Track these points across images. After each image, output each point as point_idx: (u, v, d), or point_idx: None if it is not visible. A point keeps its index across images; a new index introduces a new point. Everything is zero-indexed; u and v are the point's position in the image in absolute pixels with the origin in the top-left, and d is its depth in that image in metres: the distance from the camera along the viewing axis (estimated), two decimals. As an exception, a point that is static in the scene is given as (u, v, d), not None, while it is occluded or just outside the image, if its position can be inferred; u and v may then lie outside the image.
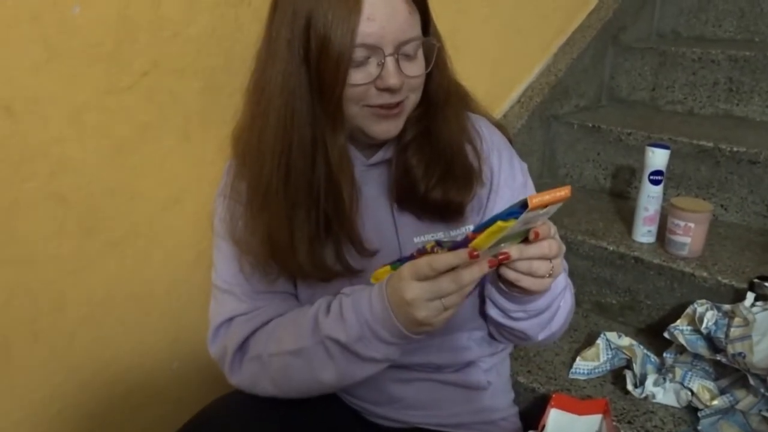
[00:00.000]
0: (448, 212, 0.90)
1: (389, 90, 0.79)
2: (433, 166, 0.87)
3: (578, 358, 1.28)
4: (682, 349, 1.21)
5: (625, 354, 1.26)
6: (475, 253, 0.66)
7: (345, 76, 0.77)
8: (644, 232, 1.44)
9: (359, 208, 0.87)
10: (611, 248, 1.45)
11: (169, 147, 1.08)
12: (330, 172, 0.83)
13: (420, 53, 0.83)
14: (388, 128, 0.84)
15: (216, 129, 1.08)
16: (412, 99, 0.85)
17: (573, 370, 1.27)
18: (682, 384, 1.15)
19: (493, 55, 1.70)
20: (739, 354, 1.09)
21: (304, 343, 0.81)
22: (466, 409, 1.00)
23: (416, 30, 0.81)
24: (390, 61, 0.78)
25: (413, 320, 0.72)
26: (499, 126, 1.02)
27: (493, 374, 1.02)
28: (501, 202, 0.93)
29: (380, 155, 0.91)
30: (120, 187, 1.03)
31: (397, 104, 0.82)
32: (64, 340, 1.04)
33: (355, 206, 0.86)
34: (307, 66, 0.79)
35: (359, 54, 0.77)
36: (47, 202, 0.96)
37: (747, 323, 1.12)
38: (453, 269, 0.69)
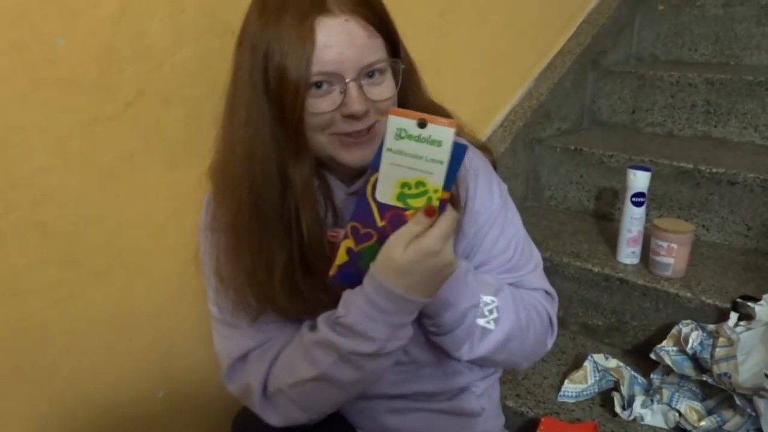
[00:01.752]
0: None
1: (353, 117, 0.79)
2: None
3: (566, 381, 1.28)
4: (668, 370, 1.22)
5: (613, 376, 1.26)
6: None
7: (303, 105, 0.77)
8: (628, 254, 1.46)
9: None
10: (596, 270, 1.46)
11: (154, 175, 1.07)
12: (297, 202, 0.82)
13: (388, 76, 0.82)
14: (361, 155, 0.83)
15: (201, 157, 1.06)
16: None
17: (561, 393, 1.27)
18: (669, 405, 1.15)
19: (476, 80, 1.72)
20: (725, 374, 1.10)
21: (321, 368, 0.79)
22: (459, 437, 0.99)
23: (378, 53, 0.80)
24: (352, 87, 0.77)
25: (444, 264, 0.71)
26: (484, 148, 1.01)
27: (485, 399, 1.01)
28: (478, 225, 0.93)
29: (361, 182, 0.91)
30: (104, 216, 1.03)
31: (368, 130, 0.82)
32: (47, 371, 1.02)
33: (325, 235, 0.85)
34: (267, 97, 0.78)
35: (320, 82, 0.77)
36: (30, 232, 0.95)
37: (731, 343, 1.13)
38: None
